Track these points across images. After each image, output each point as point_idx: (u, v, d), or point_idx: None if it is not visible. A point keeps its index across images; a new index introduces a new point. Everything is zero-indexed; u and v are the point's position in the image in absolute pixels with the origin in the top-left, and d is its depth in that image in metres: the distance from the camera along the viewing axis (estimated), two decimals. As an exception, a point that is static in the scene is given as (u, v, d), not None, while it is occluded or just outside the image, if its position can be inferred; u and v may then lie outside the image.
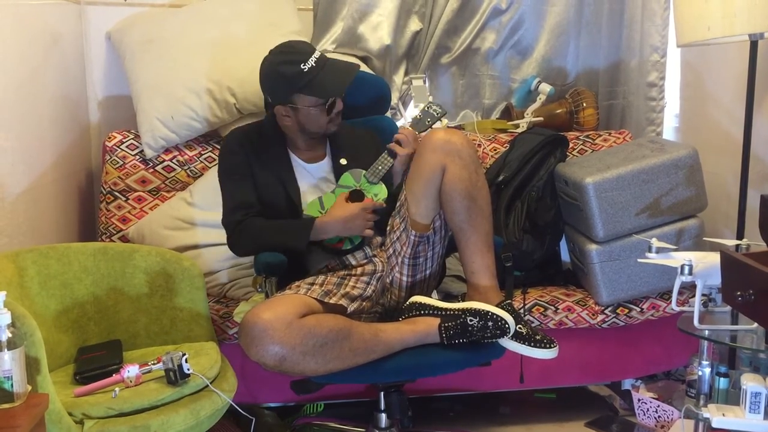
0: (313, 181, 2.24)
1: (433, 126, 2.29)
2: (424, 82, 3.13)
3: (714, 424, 1.90)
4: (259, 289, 2.02)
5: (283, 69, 2.10)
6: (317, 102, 2.14)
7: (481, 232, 1.99)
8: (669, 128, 3.27)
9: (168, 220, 2.64)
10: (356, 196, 2.19)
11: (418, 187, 2.03)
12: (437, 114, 2.28)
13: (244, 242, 2.13)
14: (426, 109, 2.28)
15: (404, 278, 2.13)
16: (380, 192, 2.20)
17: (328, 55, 2.20)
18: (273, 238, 2.09)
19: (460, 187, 1.96)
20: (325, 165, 2.27)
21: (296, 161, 2.25)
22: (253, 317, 1.77)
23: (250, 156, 2.21)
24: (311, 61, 2.09)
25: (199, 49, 2.73)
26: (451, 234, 2.08)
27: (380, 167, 2.20)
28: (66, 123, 2.74)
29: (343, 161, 2.26)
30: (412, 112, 3.10)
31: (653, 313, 2.59)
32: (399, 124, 2.84)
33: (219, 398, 1.86)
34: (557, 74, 3.26)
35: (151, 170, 2.74)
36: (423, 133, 2.21)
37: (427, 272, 2.14)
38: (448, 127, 2.97)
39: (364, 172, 2.21)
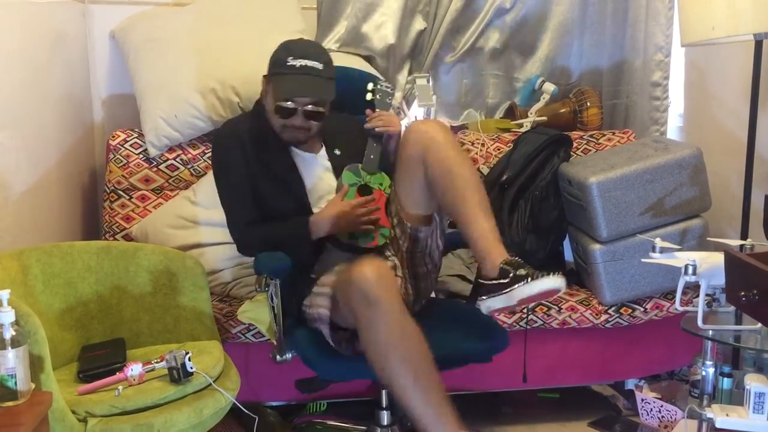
0: (318, 171, 2.21)
1: (392, 101, 2.32)
2: (428, 81, 3.12)
3: (717, 425, 1.90)
4: (258, 289, 1.98)
5: (281, 48, 2.10)
6: (276, 97, 2.09)
7: (472, 202, 1.94)
8: (673, 128, 3.26)
9: (171, 218, 2.64)
10: (364, 190, 2.17)
11: (406, 182, 2.07)
12: (389, 90, 2.32)
13: (254, 251, 2.07)
14: (377, 89, 2.30)
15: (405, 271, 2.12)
16: (384, 181, 2.19)
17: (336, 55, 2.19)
18: (279, 246, 2.02)
19: (441, 168, 1.97)
20: (323, 155, 2.24)
21: (296, 154, 2.19)
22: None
23: (247, 153, 2.13)
24: (298, 62, 2.05)
25: (202, 48, 2.73)
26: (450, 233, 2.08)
27: (372, 155, 2.19)
28: (70, 122, 2.75)
29: (338, 151, 2.24)
30: (416, 111, 3.10)
31: (657, 313, 2.58)
32: (403, 123, 2.83)
33: (222, 397, 1.87)
34: (561, 73, 3.25)
35: (155, 169, 2.74)
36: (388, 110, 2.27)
37: (429, 266, 2.14)
38: (428, 119, 2.93)
39: (360, 165, 2.19)
